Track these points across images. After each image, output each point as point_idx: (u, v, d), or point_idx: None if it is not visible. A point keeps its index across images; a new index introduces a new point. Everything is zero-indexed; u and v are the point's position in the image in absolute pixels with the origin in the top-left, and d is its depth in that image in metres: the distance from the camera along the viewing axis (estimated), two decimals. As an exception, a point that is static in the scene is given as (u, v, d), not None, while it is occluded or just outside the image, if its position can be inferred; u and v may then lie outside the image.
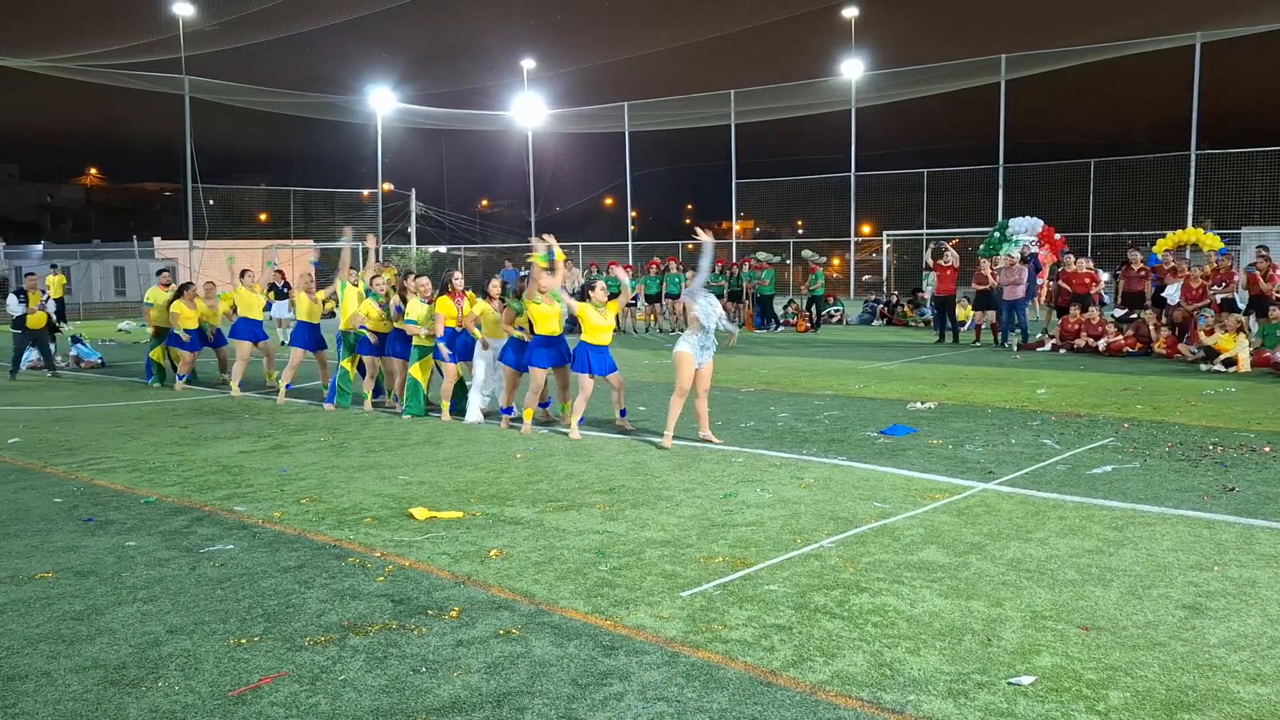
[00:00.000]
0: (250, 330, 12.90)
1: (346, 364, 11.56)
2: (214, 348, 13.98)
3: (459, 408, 10.55)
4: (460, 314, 10.38)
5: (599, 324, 9.19)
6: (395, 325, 10.88)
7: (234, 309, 13.14)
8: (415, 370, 10.77)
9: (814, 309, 23.67)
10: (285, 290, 21.89)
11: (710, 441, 8.79)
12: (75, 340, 17.56)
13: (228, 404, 12.08)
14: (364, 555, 5.63)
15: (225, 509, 6.76)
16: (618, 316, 23.55)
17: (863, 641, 4.25)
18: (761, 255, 24.88)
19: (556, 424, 10.03)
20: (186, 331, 13.40)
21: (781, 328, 23.59)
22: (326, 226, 43.70)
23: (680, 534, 5.93)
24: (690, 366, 8.61)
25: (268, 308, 13.64)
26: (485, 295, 10.26)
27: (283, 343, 14.93)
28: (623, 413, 9.61)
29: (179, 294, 13.72)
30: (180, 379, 13.56)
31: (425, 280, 11.00)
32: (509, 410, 10.05)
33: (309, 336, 12.26)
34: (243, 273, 13.30)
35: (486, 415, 10.43)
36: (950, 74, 34.50)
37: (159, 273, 15.99)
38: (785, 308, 25.67)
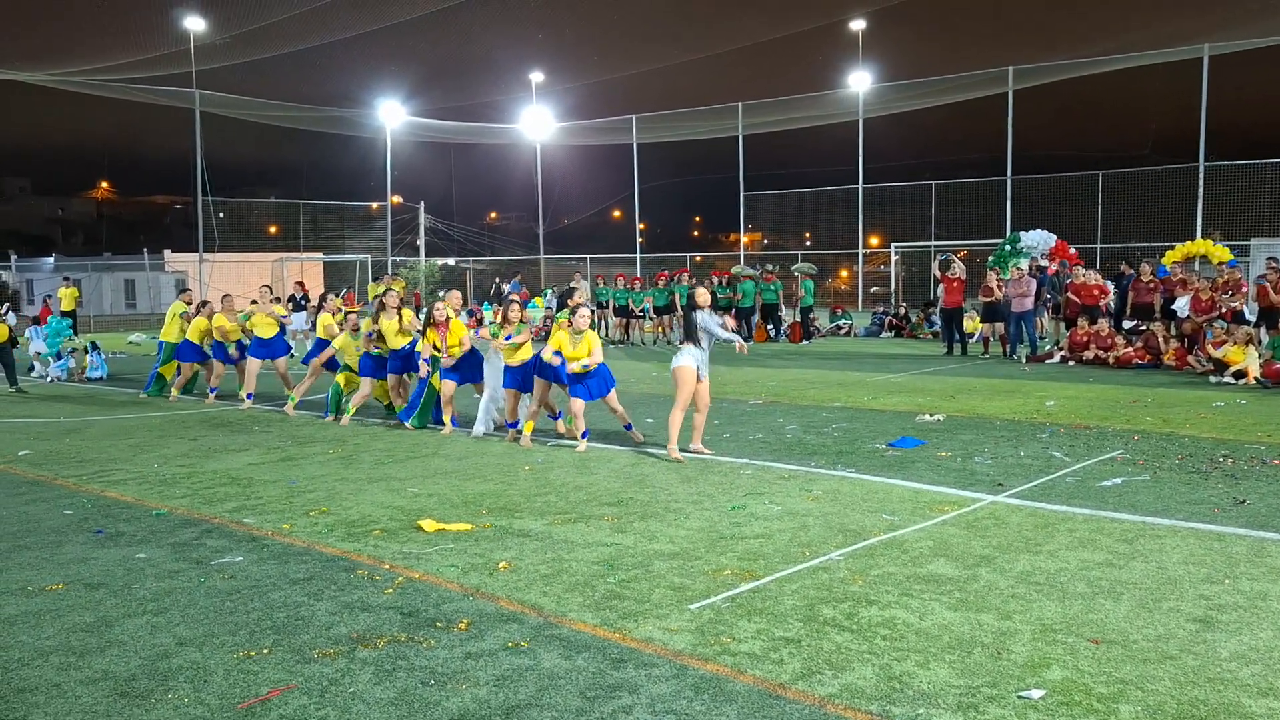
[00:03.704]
0: (263, 349, 13.10)
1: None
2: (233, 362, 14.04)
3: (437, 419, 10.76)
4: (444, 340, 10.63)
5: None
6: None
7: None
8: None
9: (802, 320, 23.76)
10: (304, 302, 21.96)
11: (701, 452, 8.88)
12: (94, 347, 17.59)
13: (237, 416, 12.13)
14: (373, 567, 5.64)
15: (235, 521, 6.79)
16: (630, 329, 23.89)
17: (872, 654, 4.24)
18: (736, 269, 25.74)
19: (563, 437, 10.06)
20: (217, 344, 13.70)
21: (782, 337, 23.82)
22: (336, 239, 43.87)
23: (688, 546, 5.93)
24: (692, 381, 8.75)
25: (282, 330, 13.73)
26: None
27: (291, 354, 14.94)
28: (628, 426, 9.64)
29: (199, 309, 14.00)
30: (211, 391, 13.69)
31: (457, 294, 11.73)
32: (514, 425, 10.10)
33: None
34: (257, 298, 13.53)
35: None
36: (957, 86, 34.47)
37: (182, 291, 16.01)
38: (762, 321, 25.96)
